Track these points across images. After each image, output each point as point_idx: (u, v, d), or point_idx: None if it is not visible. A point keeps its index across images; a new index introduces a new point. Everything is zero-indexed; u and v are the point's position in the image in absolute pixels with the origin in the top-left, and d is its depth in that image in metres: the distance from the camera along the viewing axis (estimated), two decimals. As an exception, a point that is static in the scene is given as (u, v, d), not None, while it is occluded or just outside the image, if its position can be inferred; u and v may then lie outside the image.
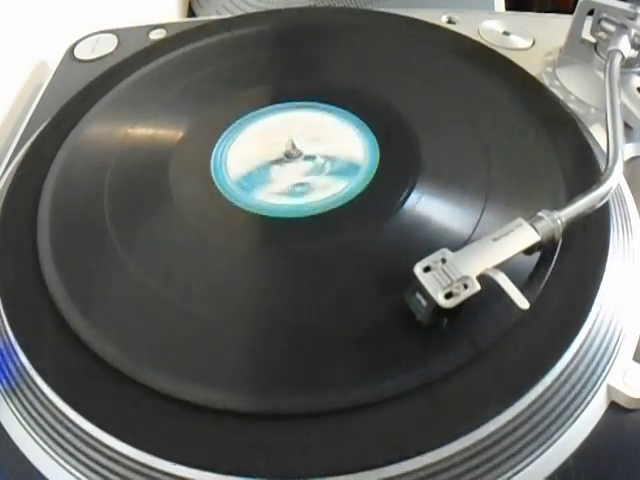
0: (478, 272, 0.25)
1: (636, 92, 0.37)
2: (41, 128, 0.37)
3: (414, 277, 0.25)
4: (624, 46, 0.36)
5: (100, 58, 0.45)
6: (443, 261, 0.25)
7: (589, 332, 0.26)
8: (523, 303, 0.24)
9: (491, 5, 0.56)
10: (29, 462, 0.25)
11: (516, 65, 0.38)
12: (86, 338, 0.26)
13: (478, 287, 0.24)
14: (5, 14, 0.44)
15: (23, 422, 0.26)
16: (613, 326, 0.27)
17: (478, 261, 0.25)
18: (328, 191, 0.31)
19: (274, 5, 0.57)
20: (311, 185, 0.32)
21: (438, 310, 0.24)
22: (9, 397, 0.26)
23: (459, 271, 0.25)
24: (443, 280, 0.24)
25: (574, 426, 0.24)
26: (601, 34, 0.38)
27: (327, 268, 0.28)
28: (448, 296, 0.24)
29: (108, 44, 0.46)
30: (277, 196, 0.32)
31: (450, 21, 0.45)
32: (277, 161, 0.33)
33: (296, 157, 0.33)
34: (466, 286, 0.24)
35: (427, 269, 0.25)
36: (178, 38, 0.43)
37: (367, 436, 0.23)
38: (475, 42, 0.41)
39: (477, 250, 0.26)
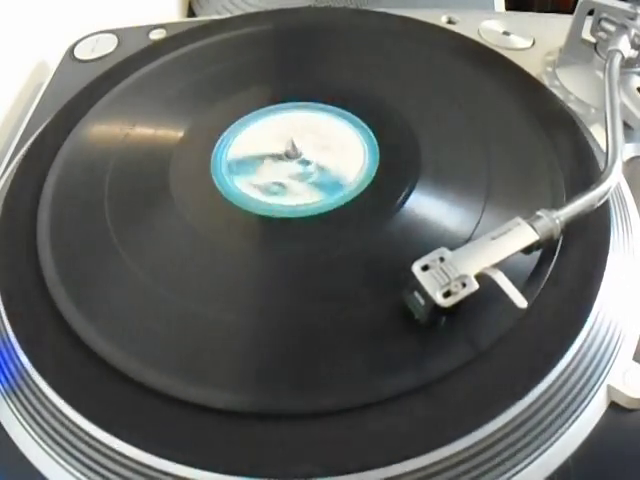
0: (476, 271, 0.25)
1: (636, 92, 0.37)
2: (41, 128, 0.37)
3: (412, 276, 0.25)
4: (624, 46, 0.36)
5: (100, 58, 0.45)
6: (441, 260, 0.25)
7: (589, 332, 0.26)
8: (521, 302, 0.24)
9: (491, 5, 0.56)
10: (29, 462, 0.25)
11: (516, 65, 0.38)
12: (86, 338, 0.26)
13: (476, 286, 0.24)
14: (5, 14, 0.44)
15: (23, 422, 0.26)
16: (613, 326, 0.27)
17: (476, 260, 0.25)
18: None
19: (274, 5, 0.57)
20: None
21: (436, 309, 0.24)
22: (9, 397, 0.26)
23: (457, 270, 0.25)
24: (441, 279, 0.24)
25: (574, 426, 0.24)
26: (601, 34, 0.38)
27: (326, 268, 0.29)
28: (446, 295, 0.24)
29: (108, 44, 0.46)
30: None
31: (450, 21, 0.45)
32: (273, 157, 0.33)
33: (293, 158, 0.33)
34: (464, 285, 0.24)
35: (425, 268, 0.25)
36: (178, 38, 0.43)
37: (367, 436, 0.23)
38: (475, 42, 0.41)
39: (475, 249, 0.26)
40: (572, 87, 0.39)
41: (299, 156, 0.34)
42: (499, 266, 0.25)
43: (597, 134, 0.35)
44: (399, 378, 0.24)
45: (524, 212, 0.27)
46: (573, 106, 0.37)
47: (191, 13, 0.68)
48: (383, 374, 0.24)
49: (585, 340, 0.26)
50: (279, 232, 0.30)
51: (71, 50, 0.46)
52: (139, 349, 0.26)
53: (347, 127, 0.35)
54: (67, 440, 0.25)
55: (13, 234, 0.31)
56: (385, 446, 0.23)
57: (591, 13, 0.38)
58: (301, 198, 0.31)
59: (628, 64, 0.37)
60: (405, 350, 0.25)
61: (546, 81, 0.39)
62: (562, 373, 0.25)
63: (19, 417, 0.26)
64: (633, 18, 0.36)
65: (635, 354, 0.26)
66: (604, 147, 0.31)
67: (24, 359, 0.26)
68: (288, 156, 0.33)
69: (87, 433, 0.24)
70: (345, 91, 0.37)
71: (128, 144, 0.35)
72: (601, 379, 0.25)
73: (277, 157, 0.34)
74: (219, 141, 0.35)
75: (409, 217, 0.30)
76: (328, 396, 0.24)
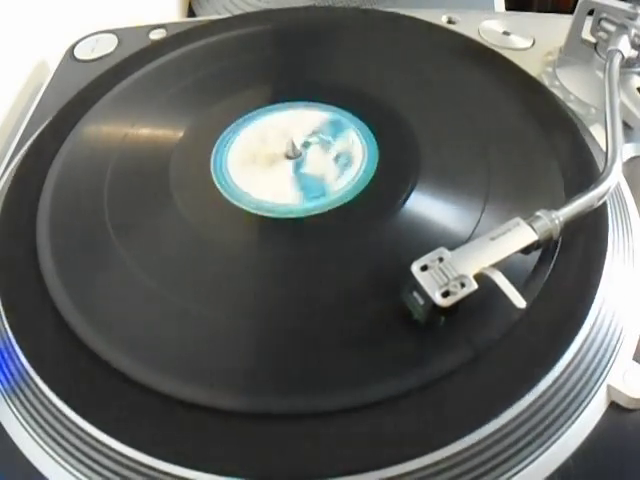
0: (475, 271, 0.25)
1: (636, 92, 0.37)
2: (41, 128, 0.37)
3: (411, 276, 0.25)
4: (624, 46, 0.36)
5: (100, 58, 0.45)
6: (440, 260, 0.25)
7: (589, 332, 0.26)
8: (520, 302, 0.24)
9: (491, 5, 0.56)
10: (29, 462, 0.25)
11: (516, 65, 0.38)
12: (86, 338, 0.26)
13: (475, 286, 0.24)
14: (5, 14, 0.44)
15: (23, 422, 0.26)
16: (613, 326, 0.27)
17: (475, 260, 0.25)
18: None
19: (274, 5, 0.57)
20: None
21: (435, 309, 0.24)
22: (9, 397, 0.26)
23: (456, 270, 0.25)
24: (440, 279, 0.24)
25: (574, 426, 0.24)
26: (601, 34, 0.38)
27: (326, 268, 0.29)
28: (445, 295, 0.24)
29: (108, 44, 0.46)
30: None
31: (450, 21, 0.45)
32: (275, 160, 0.33)
33: (295, 157, 0.33)
34: (463, 285, 0.24)
35: (424, 268, 0.25)
36: (178, 38, 0.43)
37: (367, 436, 0.23)
38: (475, 42, 0.41)
39: (474, 249, 0.26)
40: (572, 87, 0.39)
41: (299, 155, 0.34)
42: (498, 266, 0.25)
43: (597, 134, 0.35)
44: (398, 378, 0.24)
45: (524, 212, 0.27)
46: (573, 106, 0.37)
47: (191, 13, 0.68)
48: (382, 374, 0.24)
49: (585, 340, 0.26)
50: (280, 232, 0.30)
51: (71, 50, 0.46)
52: (139, 349, 0.26)
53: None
54: (67, 440, 0.25)
55: (13, 234, 0.31)
56: (385, 446, 0.23)
57: (591, 13, 0.38)
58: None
59: (628, 64, 0.37)
60: (404, 350, 0.25)
61: (546, 81, 0.39)
62: (562, 373, 0.25)
63: (19, 417, 0.26)
64: (633, 18, 0.36)
65: (635, 354, 0.26)
66: (604, 147, 0.31)
67: (24, 359, 0.26)
68: (288, 156, 0.33)
69: (87, 433, 0.24)
70: (345, 91, 0.37)
71: (128, 144, 0.35)
72: (601, 379, 0.25)
73: (279, 159, 0.34)
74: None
75: (409, 217, 0.30)
76: (327, 396, 0.24)
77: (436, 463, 0.23)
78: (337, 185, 0.32)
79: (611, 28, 0.37)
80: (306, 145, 0.34)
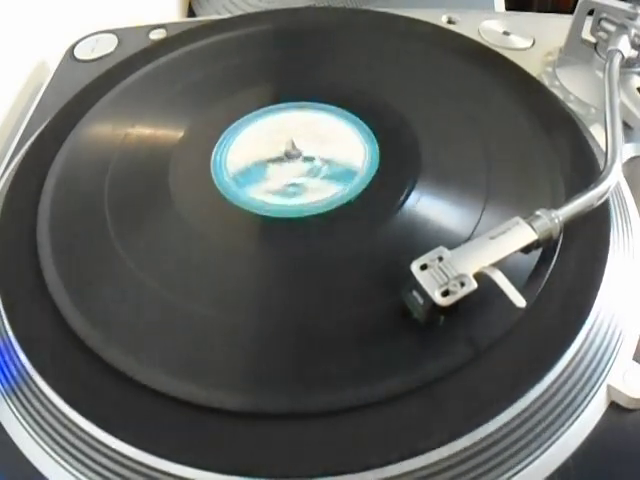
0: (475, 270, 0.25)
1: (636, 92, 0.37)
2: (41, 128, 0.37)
3: (411, 275, 0.25)
4: (624, 46, 0.36)
5: (100, 58, 0.45)
6: (440, 259, 0.25)
7: (589, 332, 0.26)
8: (519, 301, 0.24)
9: (491, 5, 0.56)
10: (29, 462, 0.25)
11: (516, 65, 0.38)
12: (86, 338, 0.26)
13: (475, 285, 0.24)
14: (5, 14, 0.44)
15: (23, 422, 0.26)
16: (613, 326, 0.27)
17: (475, 259, 0.25)
18: (320, 194, 0.31)
19: (274, 5, 0.57)
20: (304, 187, 0.32)
21: (435, 308, 0.24)
22: (9, 397, 0.26)
23: (456, 269, 0.25)
24: (440, 278, 0.24)
25: (574, 426, 0.24)
26: (601, 34, 0.38)
27: (326, 268, 0.29)
28: (445, 294, 0.24)
29: (108, 44, 0.46)
30: (270, 195, 0.31)
31: (450, 21, 0.45)
32: (275, 160, 0.33)
33: (295, 157, 0.33)
34: (463, 284, 0.24)
35: (424, 267, 0.25)
36: (178, 38, 0.43)
37: (366, 436, 0.23)
38: (475, 42, 0.41)
39: (474, 248, 0.26)
40: (572, 87, 0.39)
41: (299, 155, 0.34)
42: (498, 266, 0.25)
43: (597, 134, 0.35)
44: (398, 378, 0.24)
45: (524, 212, 0.27)
46: (573, 106, 0.37)
47: (191, 13, 0.68)
48: (382, 373, 0.24)
49: (585, 340, 0.26)
50: (279, 232, 0.30)
51: (71, 50, 0.46)
52: (139, 349, 0.26)
53: (347, 127, 0.35)
54: (67, 440, 0.25)
55: (13, 234, 0.31)
56: (384, 446, 0.23)
57: (591, 13, 0.38)
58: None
59: (628, 64, 0.37)
60: (404, 349, 0.25)
61: (546, 81, 0.39)
62: (562, 373, 0.25)
63: (19, 417, 0.26)
64: (633, 18, 0.36)
65: (635, 354, 0.26)
66: (604, 147, 0.31)
67: (24, 359, 0.26)
68: (288, 156, 0.33)
69: (87, 433, 0.24)
70: (345, 91, 0.37)
71: (128, 144, 0.35)
72: (601, 379, 0.25)
73: (278, 160, 0.33)
74: (219, 141, 0.35)
75: (409, 217, 0.30)
76: (326, 396, 0.24)
77: (436, 463, 0.23)
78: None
79: (611, 28, 0.37)
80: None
